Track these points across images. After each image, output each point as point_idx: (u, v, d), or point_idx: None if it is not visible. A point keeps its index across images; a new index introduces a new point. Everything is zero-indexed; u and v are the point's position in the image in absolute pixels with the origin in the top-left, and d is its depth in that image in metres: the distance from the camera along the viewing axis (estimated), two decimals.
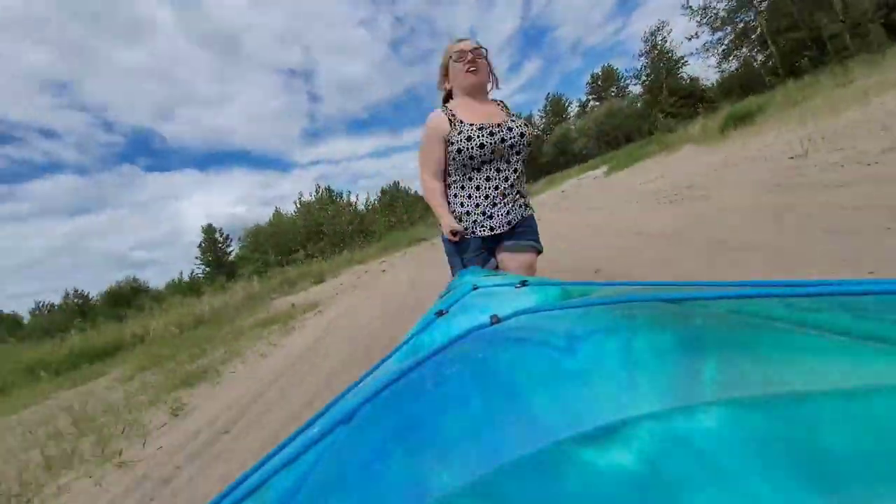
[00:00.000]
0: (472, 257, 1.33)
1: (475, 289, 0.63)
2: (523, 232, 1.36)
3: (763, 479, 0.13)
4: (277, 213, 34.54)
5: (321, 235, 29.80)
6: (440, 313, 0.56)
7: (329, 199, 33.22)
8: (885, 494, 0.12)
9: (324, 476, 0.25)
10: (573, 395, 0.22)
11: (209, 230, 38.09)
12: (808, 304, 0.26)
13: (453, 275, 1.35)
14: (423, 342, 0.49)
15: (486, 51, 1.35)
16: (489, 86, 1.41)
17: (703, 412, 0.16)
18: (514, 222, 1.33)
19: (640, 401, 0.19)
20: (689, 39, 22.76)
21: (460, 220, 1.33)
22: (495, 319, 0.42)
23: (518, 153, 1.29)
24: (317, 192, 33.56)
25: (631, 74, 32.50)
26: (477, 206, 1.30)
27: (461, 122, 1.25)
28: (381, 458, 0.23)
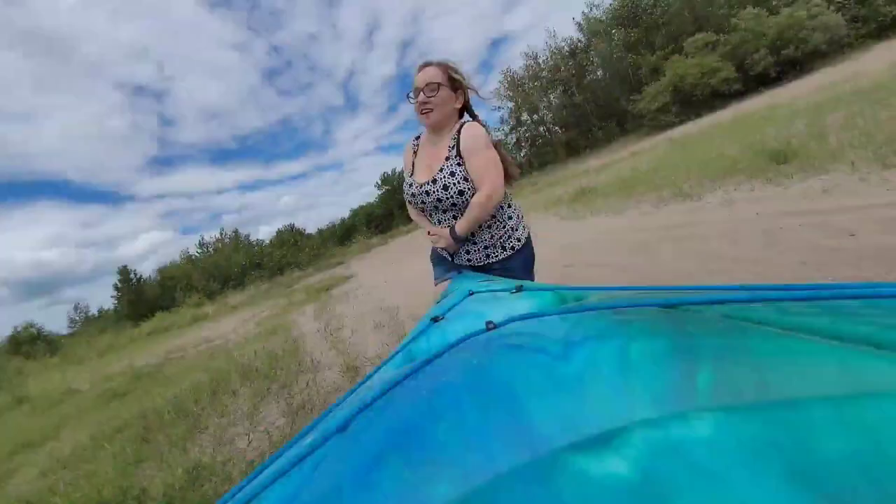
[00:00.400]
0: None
1: (471, 294, 0.63)
2: (509, 272, 1.24)
3: (756, 486, 0.13)
4: (204, 252, 40.97)
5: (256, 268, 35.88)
6: (436, 319, 0.55)
7: (236, 241, 41.21)
8: (876, 499, 0.12)
9: (318, 487, 0.25)
10: (568, 402, 0.21)
11: (124, 271, 39.68)
12: (800, 309, 0.26)
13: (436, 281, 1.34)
14: (419, 349, 0.48)
15: (449, 73, 1.19)
16: (458, 102, 1.22)
17: (697, 418, 0.16)
18: (475, 261, 1.25)
19: (636, 407, 0.19)
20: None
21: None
22: (491, 326, 0.41)
23: (444, 210, 1.19)
24: (221, 234, 43.21)
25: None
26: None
27: (411, 171, 1.28)
28: (376, 467, 0.22)
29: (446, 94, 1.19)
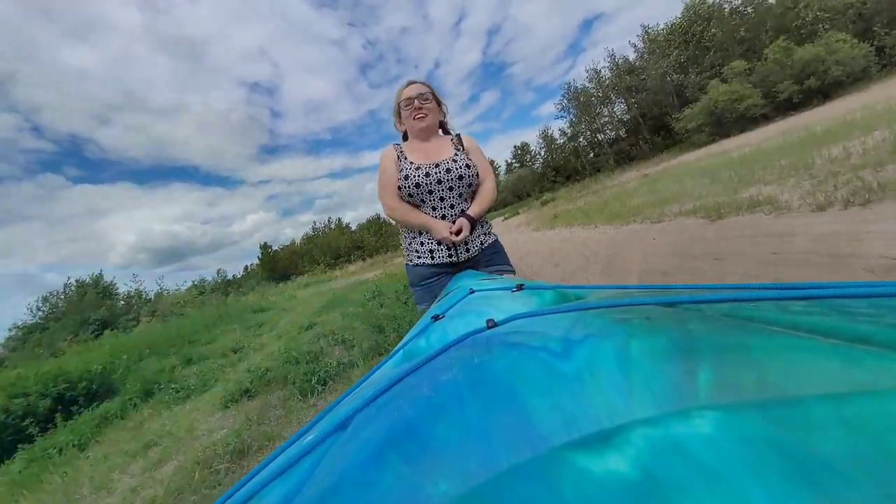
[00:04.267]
0: (432, 284, 1.32)
1: (472, 292, 0.64)
2: (490, 259, 1.38)
3: (757, 484, 0.13)
4: (317, 233, 58.12)
5: (357, 249, 48.41)
6: (436, 318, 0.56)
7: (339, 227, 56.95)
8: (877, 497, 0.12)
9: (318, 485, 0.25)
10: (569, 400, 0.22)
11: (265, 247, 54.57)
12: (801, 308, 0.26)
13: (420, 308, 1.34)
14: (419, 347, 0.49)
15: (432, 90, 1.42)
16: (441, 115, 1.47)
17: (698, 417, 0.16)
18: (472, 251, 1.33)
19: (636, 406, 0.19)
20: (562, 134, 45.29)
21: (416, 253, 1.36)
22: (491, 324, 0.41)
23: (451, 188, 1.30)
24: (328, 220, 60.64)
25: (534, 151, 56.30)
26: (430, 237, 1.31)
27: (406, 159, 1.33)
28: (376, 466, 0.22)
29: (434, 105, 1.42)
